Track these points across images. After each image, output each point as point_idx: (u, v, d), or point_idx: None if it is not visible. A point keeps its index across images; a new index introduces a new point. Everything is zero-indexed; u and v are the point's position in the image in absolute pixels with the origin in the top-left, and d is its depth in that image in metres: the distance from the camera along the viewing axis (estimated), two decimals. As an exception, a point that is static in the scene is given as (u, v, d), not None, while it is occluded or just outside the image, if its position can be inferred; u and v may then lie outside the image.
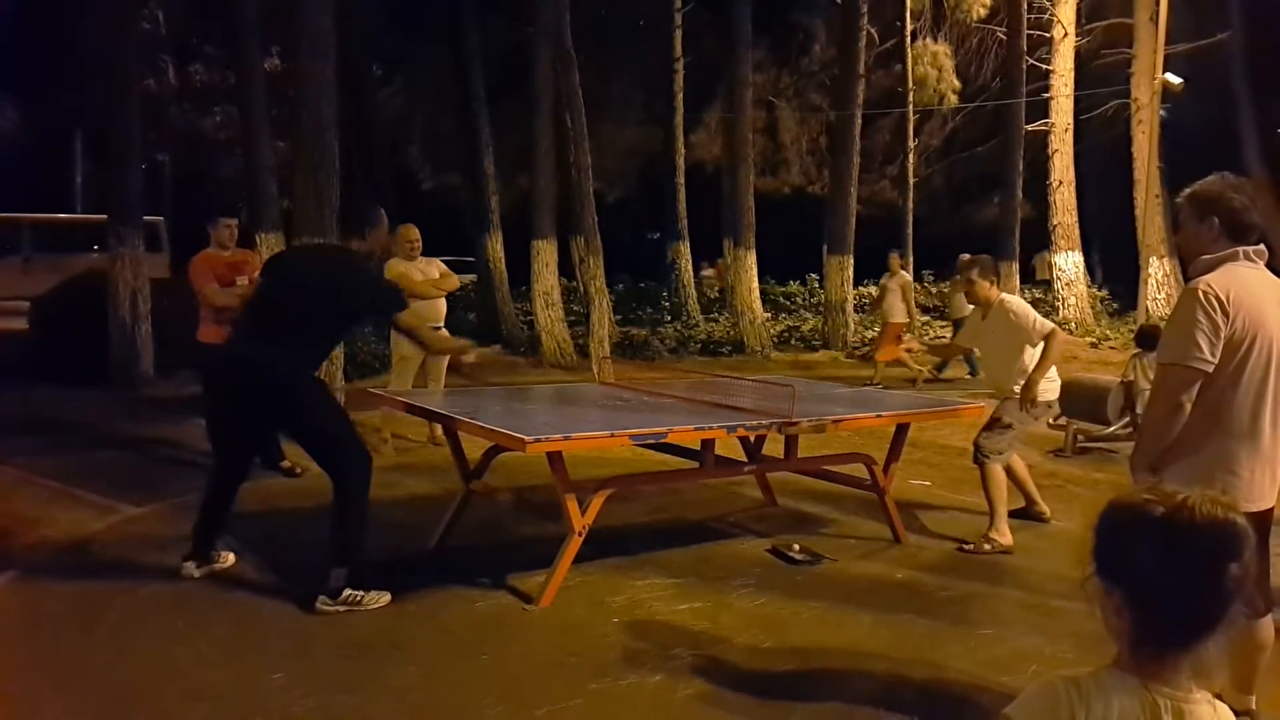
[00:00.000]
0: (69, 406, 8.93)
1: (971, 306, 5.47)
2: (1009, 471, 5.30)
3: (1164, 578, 1.26)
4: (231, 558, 4.48)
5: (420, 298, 7.00)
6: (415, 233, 7.10)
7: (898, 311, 11.81)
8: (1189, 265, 2.96)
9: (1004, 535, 4.98)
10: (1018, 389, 5.01)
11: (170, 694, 3.22)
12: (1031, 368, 4.98)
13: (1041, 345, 4.98)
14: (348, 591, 3.93)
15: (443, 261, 7.49)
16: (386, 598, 4.01)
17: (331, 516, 4.05)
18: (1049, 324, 5.04)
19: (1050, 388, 5.11)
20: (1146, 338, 7.56)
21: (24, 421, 8.03)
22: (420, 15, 18.36)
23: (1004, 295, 5.19)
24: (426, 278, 7.07)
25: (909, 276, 12.31)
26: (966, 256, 5.56)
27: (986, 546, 4.94)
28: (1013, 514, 5.21)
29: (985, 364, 5.34)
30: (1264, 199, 21.64)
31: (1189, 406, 2.79)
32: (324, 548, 4.02)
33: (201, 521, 4.36)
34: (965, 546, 4.99)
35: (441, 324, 7.13)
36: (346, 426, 4.22)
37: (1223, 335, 2.74)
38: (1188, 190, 2.97)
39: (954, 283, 12.82)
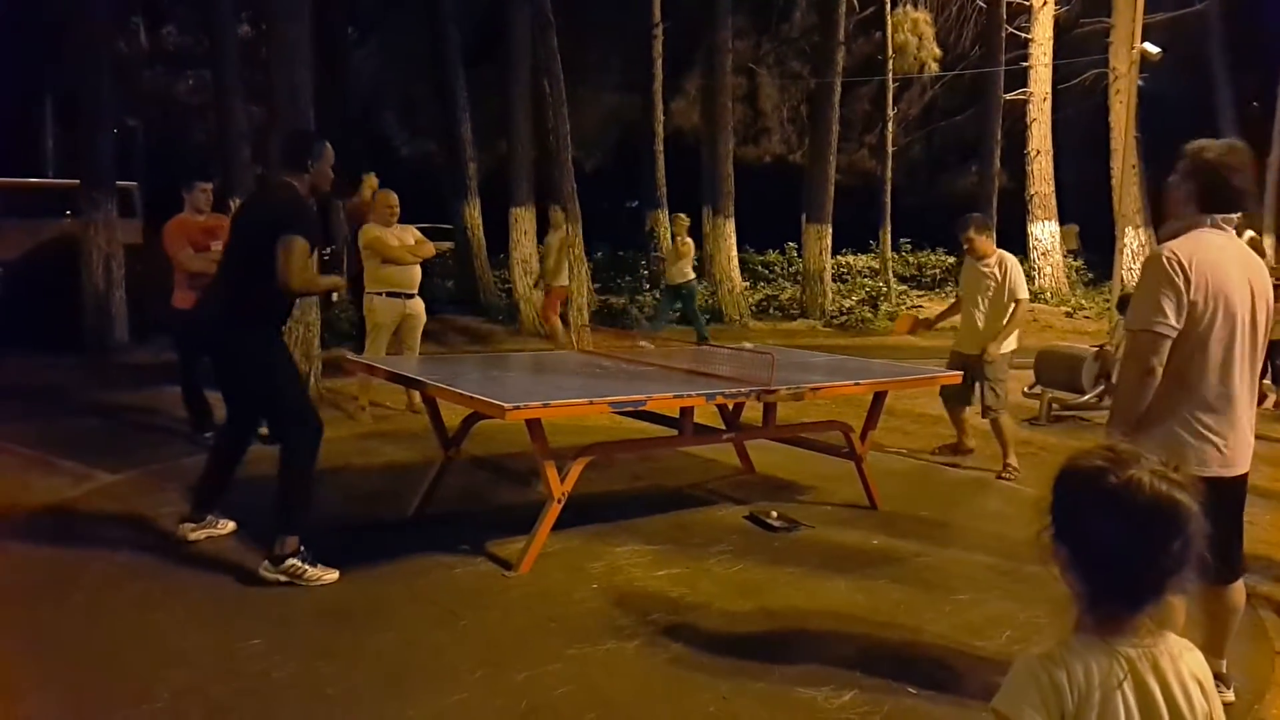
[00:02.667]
0: (43, 373, 8.83)
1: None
2: (959, 419, 6.35)
3: (1111, 548, 1.30)
4: (231, 525, 4.44)
5: (396, 262, 6.98)
6: (394, 198, 7.08)
7: (563, 274, 10.63)
8: (1163, 223, 2.98)
9: (1015, 461, 6.03)
10: (995, 348, 5.90)
11: (147, 660, 3.22)
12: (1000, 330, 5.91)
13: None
14: (291, 561, 3.89)
15: (418, 229, 7.44)
16: (333, 575, 3.93)
17: (277, 483, 4.02)
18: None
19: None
20: (1127, 305, 7.63)
21: (-4, 388, 7.95)
22: (396, -23, 18.03)
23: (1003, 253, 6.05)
24: (402, 244, 7.05)
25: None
26: (975, 215, 6.36)
27: (1014, 476, 5.91)
28: (948, 447, 6.49)
29: (969, 314, 6.11)
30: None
31: (1160, 371, 2.81)
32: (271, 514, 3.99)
33: (204, 481, 4.37)
34: (1003, 476, 5.92)
35: (415, 290, 7.11)
36: (298, 393, 4.18)
37: (1186, 301, 2.76)
38: (1192, 145, 2.94)
39: (676, 243, 11.72)
